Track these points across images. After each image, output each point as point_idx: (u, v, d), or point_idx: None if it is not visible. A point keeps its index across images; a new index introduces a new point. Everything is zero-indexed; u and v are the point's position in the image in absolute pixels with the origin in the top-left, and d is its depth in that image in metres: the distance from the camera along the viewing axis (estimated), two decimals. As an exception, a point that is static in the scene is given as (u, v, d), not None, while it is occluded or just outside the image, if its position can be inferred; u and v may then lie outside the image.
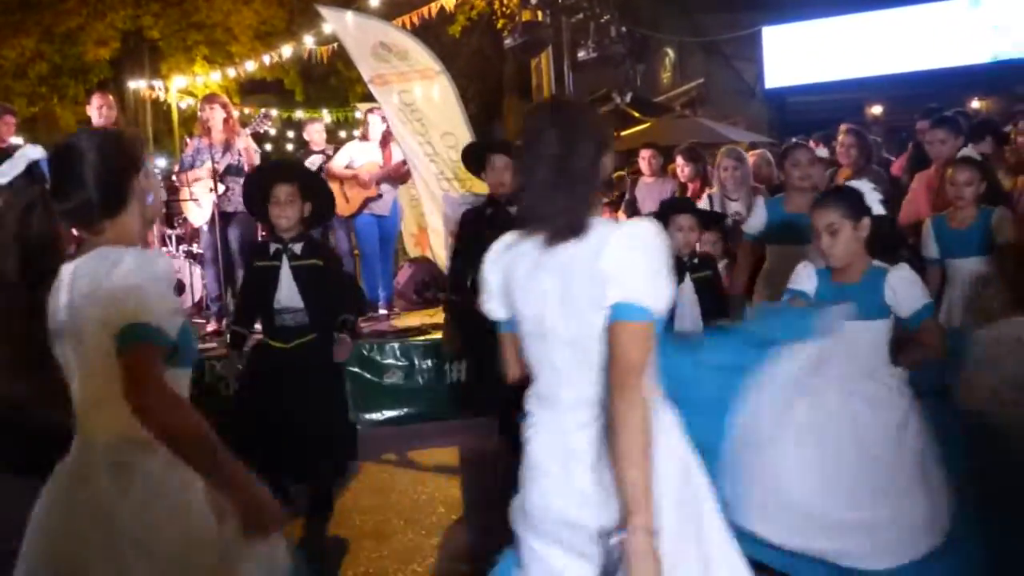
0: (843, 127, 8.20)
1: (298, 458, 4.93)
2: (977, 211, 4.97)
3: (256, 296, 5.13)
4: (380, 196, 8.37)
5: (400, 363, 7.14)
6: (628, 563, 2.03)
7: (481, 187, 7.14)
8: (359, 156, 8.49)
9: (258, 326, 5.34)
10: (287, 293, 5.01)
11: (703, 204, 7.41)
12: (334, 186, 8.25)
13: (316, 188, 5.20)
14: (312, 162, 8.35)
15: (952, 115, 6.29)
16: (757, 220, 5.35)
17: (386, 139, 8.64)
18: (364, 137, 8.67)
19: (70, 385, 2.36)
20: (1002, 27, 15.35)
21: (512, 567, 2.42)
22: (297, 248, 5.03)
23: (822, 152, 5.32)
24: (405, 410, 7.07)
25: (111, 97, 8.13)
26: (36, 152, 2.38)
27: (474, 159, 5.50)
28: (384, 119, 8.73)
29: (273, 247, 5.07)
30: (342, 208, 8.27)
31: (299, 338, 5.03)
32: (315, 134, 8.97)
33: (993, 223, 4.91)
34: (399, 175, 8.65)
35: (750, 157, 8.01)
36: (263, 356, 5.16)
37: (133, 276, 2.23)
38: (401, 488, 5.77)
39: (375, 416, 7.04)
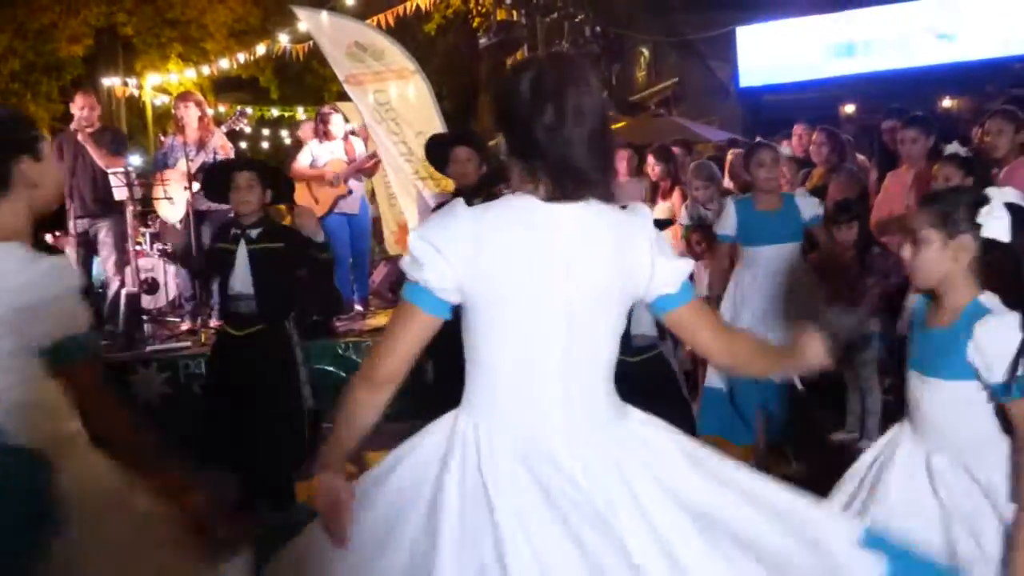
0: (798, 127, 8.30)
1: (248, 454, 4.87)
2: None
3: (213, 276, 5.17)
4: (350, 193, 8.37)
5: (376, 362, 7.13)
6: None
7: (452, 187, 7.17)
8: (322, 155, 8.47)
9: None
10: (241, 279, 4.96)
11: (680, 209, 7.49)
12: (301, 187, 8.24)
13: (274, 175, 5.25)
14: (301, 160, 8.37)
15: (922, 114, 6.36)
16: (728, 221, 5.36)
17: (346, 134, 8.63)
18: (326, 137, 8.56)
19: None
20: (972, 28, 15.51)
21: None
22: (255, 233, 4.99)
23: (785, 150, 5.36)
24: (381, 409, 7.07)
25: (93, 97, 8.09)
26: None
27: (437, 153, 5.56)
28: (346, 117, 8.75)
29: (233, 231, 5.05)
30: (312, 209, 8.26)
31: (249, 327, 4.98)
32: (308, 131, 8.95)
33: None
34: (367, 168, 8.63)
35: (728, 156, 8.09)
36: (222, 343, 5.19)
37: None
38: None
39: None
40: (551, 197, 2.11)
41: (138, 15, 17.69)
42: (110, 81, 17.60)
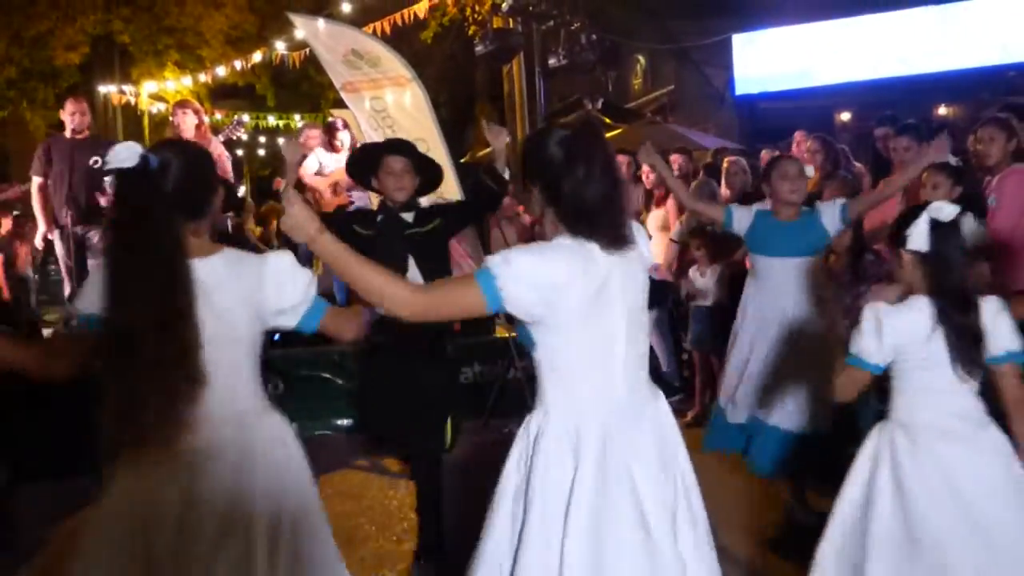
0: (798, 134, 8.32)
1: None
2: None
3: None
4: (352, 204, 8.38)
5: (371, 369, 7.14)
6: None
7: (451, 195, 7.17)
8: (329, 163, 8.52)
9: None
10: None
11: (674, 216, 7.50)
12: (307, 191, 8.26)
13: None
14: (308, 166, 8.40)
15: (915, 122, 6.38)
16: (743, 224, 5.16)
17: (353, 145, 8.66)
18: (332, 149, 8.66)
19: None
20: (968, 36, 15.56)
21: None
22: None
23: (809, 171, 5.21)
24: (376, 416, 7.08)
25: (84, 103, 8.11)
26: (138, 147, 2.68)
27: (364, 162, 4.82)
28: (351, 131, 8.80)
29: None
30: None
31: None
32: (311, 140, 9.00)
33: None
34: None
35: (724, 164, 8.10)
36: None
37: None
38: (372, 494, 5.79)
39: (346, 422, 7.05)
40: (583, 236, 2.60)
41: (134, 23, 17.70)
42: (106, 89, 17.62)
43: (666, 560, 2.58)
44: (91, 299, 2.76)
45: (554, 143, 2.66)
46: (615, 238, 2.64)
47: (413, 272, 4.48)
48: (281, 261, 2.89)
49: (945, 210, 3.09)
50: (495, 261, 2.54)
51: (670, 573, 2.58)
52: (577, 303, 2.60)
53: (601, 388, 2.69)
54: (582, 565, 2.52)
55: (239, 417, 2.81)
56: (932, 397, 3.12)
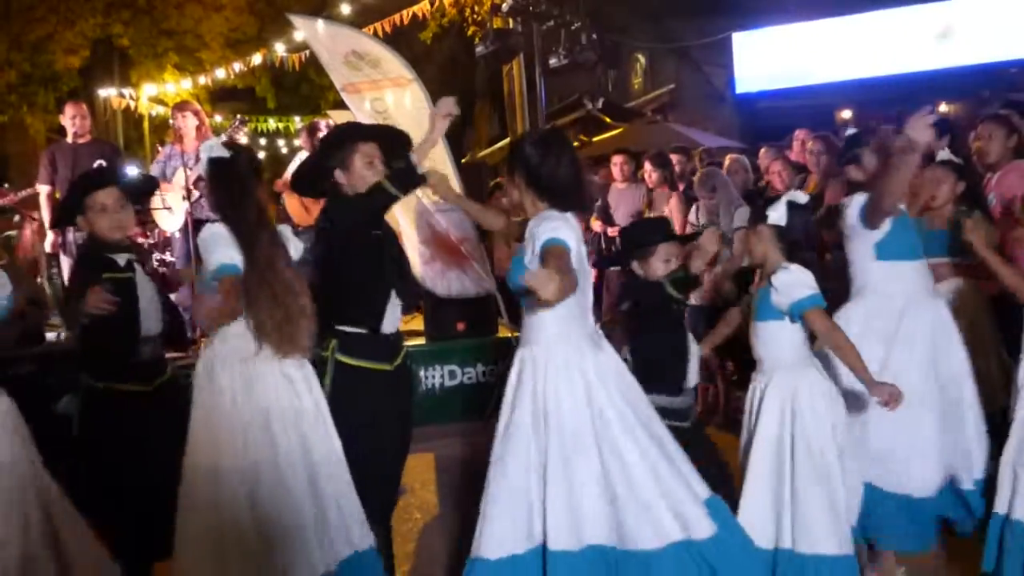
0: (801, 133, 8.28)
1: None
2: (953, 213, 5.02)
3: (105, 327, 3.92)
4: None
5: (373, 370, 7.11)
6: None
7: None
8: None
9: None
10: (149, 313, 4.09)
11: (677, 216, 7.50)
12: (292, 197, 8.23)
13: (138, 188, 4.50)
14: (291, 169, 8.39)
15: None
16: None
17: None
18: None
19: None
20: (969, 33, 15.56)
21: None
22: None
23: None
24: (379, 417, 7.05)
25: (84, 107, 8.13)
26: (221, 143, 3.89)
27: (325, 166, 4.19)
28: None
29: (123, 258, 4.08)
30: (302, 218, 8.22)
31: (160, 377, 4.20)
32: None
33: (966, 226, 4.96)
34: None
35: (725, 162, 8.09)
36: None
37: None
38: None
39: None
40: (561, 209, 3.53)
41: (134, 26, 17.69)
42: (106, 92, 17.61)
43: (648, 439, 3.47)
44: (223, 254, 3.66)
45: (531, 143, 3.61)
46: (584, 205, 3.78)
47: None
48: (289, 232, 4.02)
49: (799, 196, 3.93)
50: (556, 229, 3.39)
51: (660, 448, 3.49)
52: (578, 258, 3.46)
53: (583, 324, 3.57)
54: (637, 454, 3.40)
55: None
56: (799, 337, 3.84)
